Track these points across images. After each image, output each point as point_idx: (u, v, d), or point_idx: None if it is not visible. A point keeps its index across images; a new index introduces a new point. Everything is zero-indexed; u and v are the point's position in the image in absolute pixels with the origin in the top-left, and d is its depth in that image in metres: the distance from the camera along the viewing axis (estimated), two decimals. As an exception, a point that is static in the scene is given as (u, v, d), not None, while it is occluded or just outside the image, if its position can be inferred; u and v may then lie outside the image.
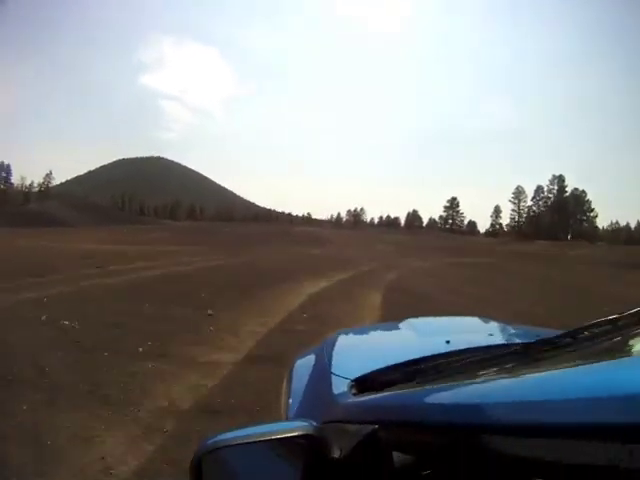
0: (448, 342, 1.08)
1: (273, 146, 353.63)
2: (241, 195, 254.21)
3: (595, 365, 0.58)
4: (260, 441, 0.65)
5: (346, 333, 1.56)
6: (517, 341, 1.27)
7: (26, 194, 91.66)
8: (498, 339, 1.32)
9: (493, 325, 1.59)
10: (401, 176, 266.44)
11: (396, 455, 0.63)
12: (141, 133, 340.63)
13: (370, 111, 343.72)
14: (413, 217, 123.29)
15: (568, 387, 0.50)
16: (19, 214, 55.95)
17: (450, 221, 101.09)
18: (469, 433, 0.52)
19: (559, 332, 0.88)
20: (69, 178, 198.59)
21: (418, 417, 0.60)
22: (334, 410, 0.79)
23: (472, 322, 1.70)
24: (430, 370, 0.81)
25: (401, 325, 1.54)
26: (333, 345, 1.28)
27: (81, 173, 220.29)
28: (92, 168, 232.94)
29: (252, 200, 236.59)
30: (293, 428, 0.66)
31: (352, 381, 0.89)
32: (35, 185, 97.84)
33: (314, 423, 0.65)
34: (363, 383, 0.87)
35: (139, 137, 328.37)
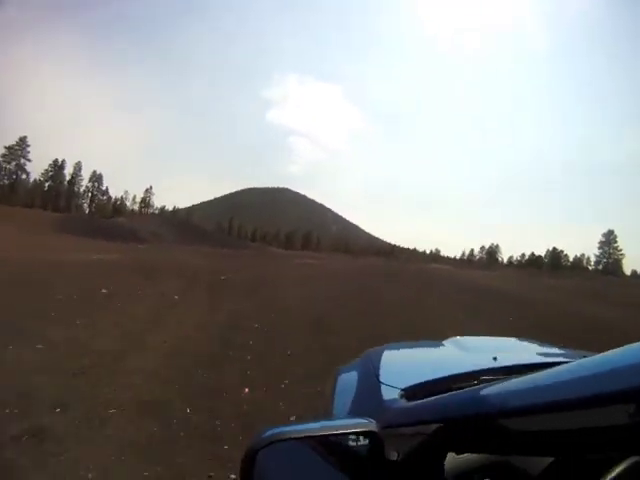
0: (495, 359, 1.06)
1: (399, 182, 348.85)
2: (365, 229, 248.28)
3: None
4: (323, 435, 0.66)
5: (390, 348, 1.49)
6: (562, 360, 1.14)
7: (116, 207, 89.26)
8: (543, 358, 1.27)
9: (536, 346, 1.56)
10: (540, 210, 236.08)
11: (451, 455, 0.65)
12: (268, 166, 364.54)
13: (501, 142, 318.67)
14: (554, 255, 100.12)
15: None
16: (100, 226, 49.59)
17: (605, 260, 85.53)
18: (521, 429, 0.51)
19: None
20: (197, 202, 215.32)
21: (473, 415, 0.58)
22: (387, 415, 0.78)
23: (516, 342, 1.65)
24: (477, 384, 0.81)
25: (446, 342, 1.51)
26: (379, 358, 1.26)
27: (209, 198, 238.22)
28: (219, 195, 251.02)
29: (376, 235, 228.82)
30: (358, 424, 0.68)
31: (402, 390, 0.91)
32: (131, 199, 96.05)
33: (375, 422, 0.67)
34: (413, 392, 0.88)
35: (266, 169, 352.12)
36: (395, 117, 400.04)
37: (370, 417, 0.71)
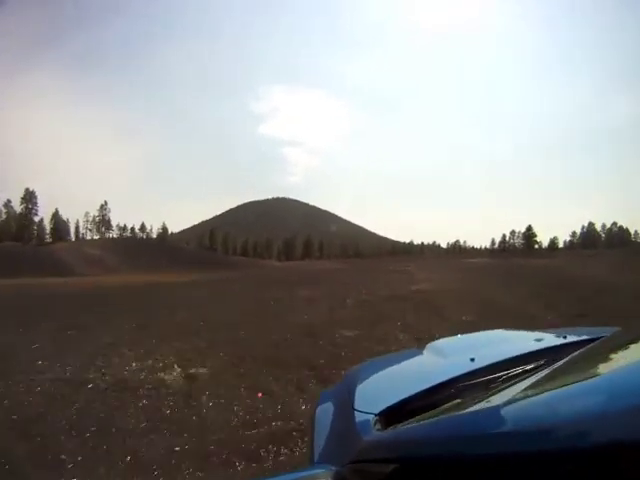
0: (472, 360, 1.05)
1: (400, 177, 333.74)
2: (372, 230, 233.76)
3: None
4: None
5: (367, 366, 1.50)
6: (543, 347, 1.19)
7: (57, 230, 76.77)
8: (522, 348, 1.21)
9: (517, 334, 1.60)
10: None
11: None
12: (265, 179, 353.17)
13: (500, 123, 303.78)
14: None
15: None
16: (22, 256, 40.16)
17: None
18: (491, 464, 0.47)
19: (582, 330, 1.00)
20: (195, 223, 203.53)
21: (441, 451, 0.54)
22: (358, 448, 0.74)
23: (496, 335, 1.63)
24: (456, 393, 0.82)
25: (425, 350, 1.46)
26: (355, 379, 1.23)
27: (208, 218, 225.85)
28: (218, 213, 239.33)
29: (384, 235, 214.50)
30: (310, 477, 0.62)
31: (376, 415, 0.86)
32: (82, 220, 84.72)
33: (333, 468, 0.61)
34: (388, 416, 0.84)
35: (261, 183, 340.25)
36: (388, 110, 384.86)
37: (344, 452, 0.66)
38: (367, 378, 1.25)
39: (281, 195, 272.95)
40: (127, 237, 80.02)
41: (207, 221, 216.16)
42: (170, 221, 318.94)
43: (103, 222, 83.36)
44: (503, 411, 0.47)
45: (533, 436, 0.43)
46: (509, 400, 0.53)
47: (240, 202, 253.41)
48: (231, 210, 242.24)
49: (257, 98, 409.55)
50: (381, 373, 1.40)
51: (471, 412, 0.54)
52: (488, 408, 0.50)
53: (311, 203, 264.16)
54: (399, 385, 1.09)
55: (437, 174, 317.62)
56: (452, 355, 1.28)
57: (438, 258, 72.65)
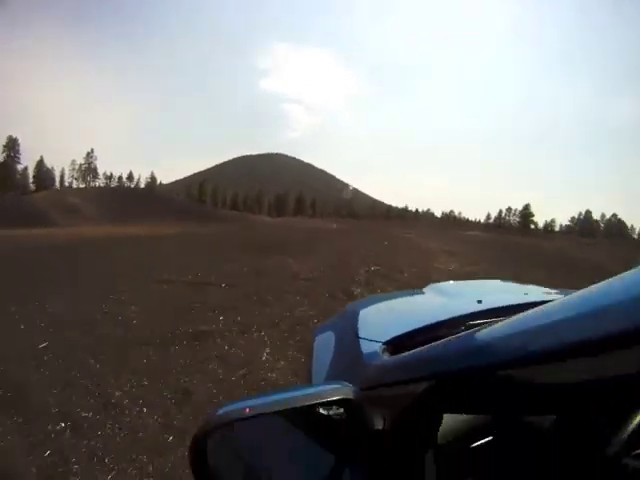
0: (480, 302, 1.03)
1: (399, 144, 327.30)
2: (369, 194, 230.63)
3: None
4: (289, 409, 0.54)
5: (368, 301, 1.48)
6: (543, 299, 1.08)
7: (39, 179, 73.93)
8: (530, 299, 1.15)
9: (521, 286, 1.56)
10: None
11: (445, 417, 0.57)
12: (264, 134, 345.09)
13: (506, 90, 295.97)
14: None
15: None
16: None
17: None
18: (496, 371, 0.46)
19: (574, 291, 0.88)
20: (189, 175, 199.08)
21: (454, 367, 0.52)
22: (368, 373, 0.71)
23: (499, 284, 1.64)
24: (467, 328, 0.77)
25: (425, 290, 1.46)
26: (357, 313, 1.17)
27: (201, 170, 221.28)
28: (214, 164, 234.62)
29: (379, 198, 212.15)
30: (329, 392, 0.57)
31: (383, 344, 0.85)
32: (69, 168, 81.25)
33: (351, 386, 0.58)
34: (396, 345, 0.83)
35: (261, 137, 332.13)
36: (394, 79, 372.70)
37: (351, 378, 0.62)
38: (369, 312, 1.21)
39: (278, 151, 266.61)
40: (113, 187, 77.12)
41: (200, 173, 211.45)
42: (162, 172, 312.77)
43: (89, 170, 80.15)
44: (509, 328, 0.48)
45: (529, 350, 0.42)
46: (516, 322, 0.51)
47: (235, 155, 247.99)
48: (225, 163, 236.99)
49: (261, 53, 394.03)
50: (384, 308, 1.38)
51: (480, 332, 0.52)
52: (495, 329, 0.50)
53: (306, 160, 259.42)
54: (405, 318, 1.05)
55: (438, 143, 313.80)
56: (457, 296, 1.26)
57: (433, 227, 70.71)
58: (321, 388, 0.61)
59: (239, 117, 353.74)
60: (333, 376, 0.88)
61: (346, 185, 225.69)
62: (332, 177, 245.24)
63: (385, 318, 1.23)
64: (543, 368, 0.39)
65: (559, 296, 0.91)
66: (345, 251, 13.08)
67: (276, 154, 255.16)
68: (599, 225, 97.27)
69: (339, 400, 0.56)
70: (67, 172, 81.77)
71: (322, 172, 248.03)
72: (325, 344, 1.09)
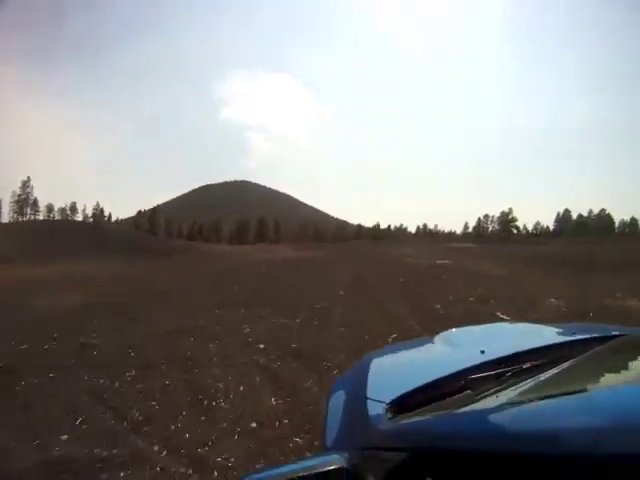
0: (483, 352, 1.06)
1: (366, 165, 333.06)
2: (336, 216, 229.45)
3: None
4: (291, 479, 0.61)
5: (379, 353, 1.50)
6: (551, 343, 1.21)
7: None
8: (530, 343, 1.22)
9: (525, 327, 1.59)
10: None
11: None
12: (226, 163, 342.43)
13: (465, 113, 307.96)
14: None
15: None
16: None
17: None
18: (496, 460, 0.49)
19: (590, 328, 1.05)
20: (148, 208, 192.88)
21: (450, 444, 0.57)
22: (370, 436, 0.77)
23: (505, 328, 1.67)
24: (465, 385, 0.85)
25: (436, 339, 1.47)
26: (367, 367, 1.23)
27: (161, 202, 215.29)
28: (175, 196, 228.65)
29: (344, 218, 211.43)
30: (324, 463, 0.63)
31: (387, 404, 0.87)
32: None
33: (346, 454, 0.63)
34: (399, 405, 0.86)
35: (224, 167, 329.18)
36: (354, 104, 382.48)
37: (356, 442, 0.69)
38: (378, 367, 1.25)
39: (243, 179, 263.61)
40: (45, 219, 71.07)
41: (161, 205, 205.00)
42: (119, 207, 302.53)
43: (26, 202, 74.03)
44: (510, 410, 0.51)
45: (535, 438, 0.44)
46: (516, 400, 0.57)
47: (197, 185, 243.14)
48: (187, 194, 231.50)
49: (221, 81, 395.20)
50: (393, 361, 1.43)
51: (480, 409, 0.57)
52: (496, 406, 0.52)
53: (270, 186, 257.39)
54: (410, 374, 1.10)
55: (401, 163, 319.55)
56: (462, 346, 1.29)
57: (418, 243, 65.83)
58: (317, 460, 0.66)
59: (200, 147, 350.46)
60: (342, 436, 0.92)
61: (310, 207, 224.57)
62: (297, 201, 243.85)
63: (394, 372, 1.24)
64: (540, 459, 0.39)
65: (562, 337, 1.15)
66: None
67: (240, 181, 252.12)
68: (586, 223, 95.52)
69: (334, 470, 0.59)
70: (7, 204, 75.40)
71: (287, 196, 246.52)
72: (337, 403, 1.11)
